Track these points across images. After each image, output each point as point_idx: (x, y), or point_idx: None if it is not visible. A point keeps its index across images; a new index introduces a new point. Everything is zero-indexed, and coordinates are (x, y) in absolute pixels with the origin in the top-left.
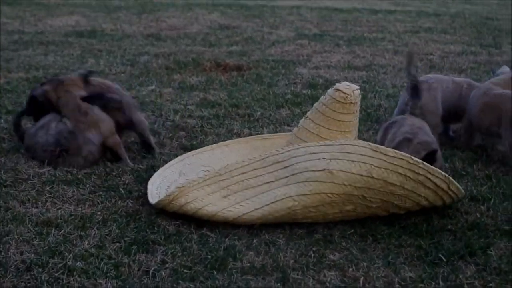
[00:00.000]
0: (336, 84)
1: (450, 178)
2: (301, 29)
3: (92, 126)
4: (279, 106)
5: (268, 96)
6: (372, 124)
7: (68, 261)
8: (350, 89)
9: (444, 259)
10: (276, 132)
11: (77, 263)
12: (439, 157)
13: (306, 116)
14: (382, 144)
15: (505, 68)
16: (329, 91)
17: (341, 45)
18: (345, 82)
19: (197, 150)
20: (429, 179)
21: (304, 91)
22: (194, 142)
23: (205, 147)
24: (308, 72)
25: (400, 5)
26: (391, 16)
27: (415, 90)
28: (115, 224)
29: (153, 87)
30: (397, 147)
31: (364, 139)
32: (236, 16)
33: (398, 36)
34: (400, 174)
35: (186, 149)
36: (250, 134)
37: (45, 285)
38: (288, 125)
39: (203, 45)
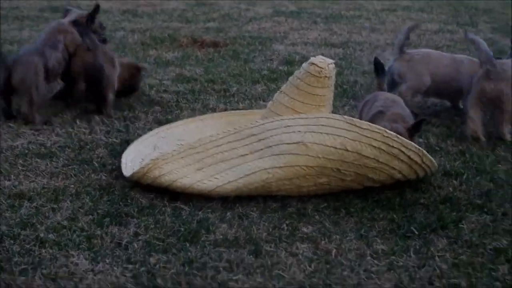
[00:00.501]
0: (311, 58)
1: (424, 151)
2: (279, 6)
3: None
4: (255, 81)
5: (244, 72)
6: (348, 100)
7: (40, 233)
8: (325, 63)
9: (416, 232)
10: (252, 107)
11: (49, 235)
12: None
13: (281, 90)
14: None
15: None
16: (304, 65)
17: (318, 23)
18: (320, 56)
19: (172, 124)
20: (403, 152)
21: (280, 67)
22: (169, 117)
23: (180, 121)
24: (285, 49)
25: None
26: None
27: (378, 67)
28: (88, 197)
29: None
30: (371, 120)
31: (334, 113)
32: None
33: (375, 14)
34: (374, 147)
35: (161, 123)
36: (226, 109)
37: (16, 256)
38: (263, 101)
39: (179, 21)
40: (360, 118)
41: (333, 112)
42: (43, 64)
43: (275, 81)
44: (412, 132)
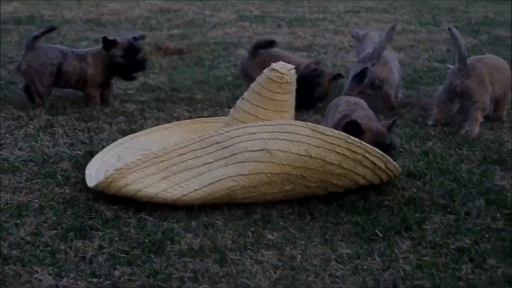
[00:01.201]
0: (272, 64)
1: (387, 156)
2: (243, 11)
3: None
4: (220, 88)
5: (208, 78)
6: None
7: (3, 249)
8: (285, 68)
9: (381, 235)
10: (217, 114)
11: (13, 252)
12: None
13: (243, 97)
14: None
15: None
16: (265, 71)
17: (283, 26)
18: (280, 62)
19: (137, 134)
20: (367, 158)
21: None
22: (134, 127)
23: (144, 130)
24: None
25: None
26: None
27: (362, 76)
28: (52, 211)
29: None
30: (337, 125)
31: (304, 119)
32: None
33: (339, 16)
34: (338, 153)
35: (125, 134)
36: (191, 117)
37: None
38: (228, 107)
39: (143, 29)
40: (326, 125)
41: (298, 117)
42: (57, 63)
43: (240, 87)
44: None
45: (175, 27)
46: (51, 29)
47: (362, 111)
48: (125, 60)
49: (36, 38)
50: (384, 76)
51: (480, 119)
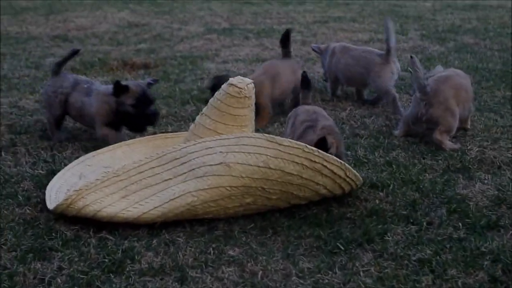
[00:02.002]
0: (230, 79)
1: (347, 165)
2: (211, 23)
3: None
4: (185, 102)
5: (174, 93)
6: (278, 117)
7: None
8: (244, 83)
9: (342, 248)
10: (182, 129)
11: None
12: (339, 142)
13: (202, 112)
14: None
15: (439, 68)
16: (223, 86)
17: (250, 38)
18: (238, 77)
19: (98, 151)
20: (326, 166)
21: None
22: (97, 144)
23: (106, 147)
24: (216, 67)
25: None
26: (301, 7)
27: (305, 81)
28: (11, 232)
29: None
30: (301, 136)
31: (269, 132)
32: (146, 13)
33: (307, 26)
34: (297, 163)
35: (88, 151)
36: (155, 133)
37: None
38: (194, 122)
39: (110, 44)
40: (286, 135)
41: (264, 129)
42: (66, 94)
43: (205, 101)
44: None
45: (142, 42)
46: (75, 52)
47: (324, 120)
48: (134, 110)
49: (59, 64)
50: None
51: (445, 140)
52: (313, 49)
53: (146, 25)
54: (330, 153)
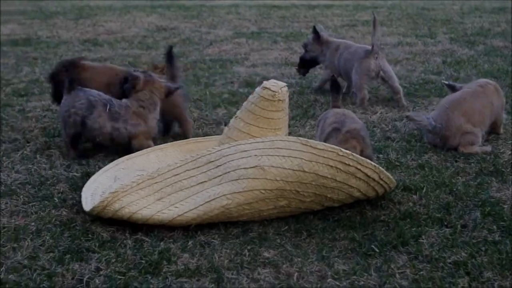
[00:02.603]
0: (264, 82)
1: (380, 168)
2: (239, 27)
3: None
4: (216, 106)
5: (204, 96)
6: (308, 120)
7: (1, 274)
8: (277, 86)
9: (377, 250)
10: (213, 132)
11: (10, 276)
12: (368, 142)
13: (236, 115)
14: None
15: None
16: (257, 89)
17: (279, 42)
18: (272, 80)
19: (132, 155)
20: (360, 170)
21: (241, 90)
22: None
23: (140, 151)
24: (245, 71)
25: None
26: (328, 10)
27: (334, 85)
28: (49, 234)
29: None
30: (326, 138)
31: (300, 135)
32: (174, 17)
33: (335, 30)
34: (331, 166)
35: (121, 154)
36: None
37: None
38: (225, 125)
39: (140, 48)
40: (317, 138)
41: (295, 132)
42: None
43: (236, 104)
44: None
45: (172, 45)
46: None
47: (351, 123)
48: None
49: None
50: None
51: (473, 149)
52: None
53: (174, 29)
54: None
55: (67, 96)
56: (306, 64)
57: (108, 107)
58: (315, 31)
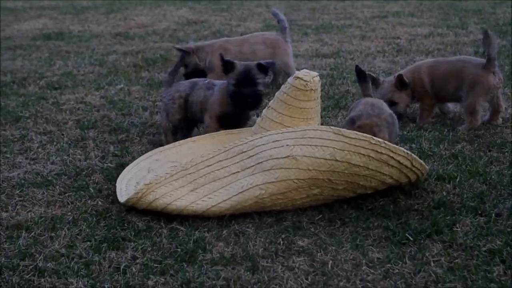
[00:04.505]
0: (296, 72)
1: (413, 155)
2: (269, 20)
3: None
4: None
5: None
6: (340, 110)
7: (39, 262)
8: (309, 76)
9: (411, 239)
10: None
11: (48, 264)
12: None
13: (268, 105)
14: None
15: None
16: (289, 79)
17: (309, 34)
18: (304, 70)
19: (165, 146)
20: (392, 157)
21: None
22: (163, 138)
23: (173, 143)
24: (276, 63)
25: None
26: (358, 2)
27: (360, 75)
28: (85, 223)
29: (122, 85)
30: (343, 127)
31: (332, 125)
32: (204, 10)
33: (366, 22)
34: (363, 155)
35: (155, 145)
36: None
37: (16, 287)
38: (256, 115)
39: (171, 41)
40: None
41: (326, 123)
42: (185, 97)
43: (267, 95)
44: None
45: (202, 38)
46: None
47: (369, 117)
48: (234, 89)
49: (171, 73)
50: None
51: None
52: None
53: (205, 22)
54: None
55: (167, 89)
56: None
57: (207, 80)
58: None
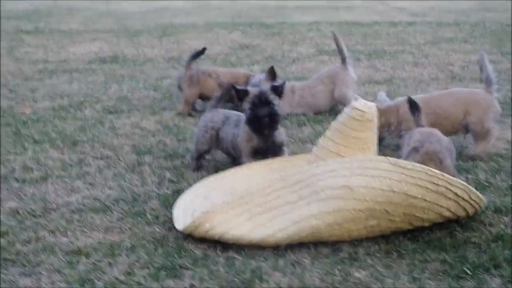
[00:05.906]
0: (353, 102)
1: (470, 187)
2: (321, 45)
3: None
4: (301, 124)
5: (289, 115)
6: (393, 140)
7: None
8: (366, 106)
9: (469, 273)
10: (299, 150)
11: None
12: (447, 163)
13: (324, 135)
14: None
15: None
16: (346, 109)
17: (362, 59)
18: (361, 100)
19: (220, 173)
20: (450, 189)
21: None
22: (219, 165)
23: (228, 170)
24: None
25: (419, 16)
26: (410, 27)
27: (412, 106)
28: (143, 250)
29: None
30: (406, 158)
31: (388, 155)
32: (256, 34)
33: (418, 47)
34: (420, 186)
35: (209, 172)
36: None
37: None
38: (311, 143)
39: (224, 66)
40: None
41: (383, 152)
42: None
43: (321, 122)
44: None
45: (255, 63)
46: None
47: (431, 144)
48: (251, 114)
49: (218, 100)
50: None
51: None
52: None
53: (257, 46)
54: None
55: (209, 113)
56: None
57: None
58: None
